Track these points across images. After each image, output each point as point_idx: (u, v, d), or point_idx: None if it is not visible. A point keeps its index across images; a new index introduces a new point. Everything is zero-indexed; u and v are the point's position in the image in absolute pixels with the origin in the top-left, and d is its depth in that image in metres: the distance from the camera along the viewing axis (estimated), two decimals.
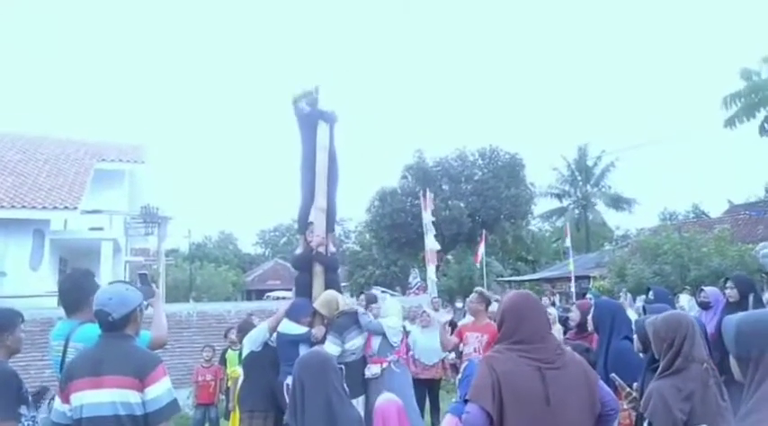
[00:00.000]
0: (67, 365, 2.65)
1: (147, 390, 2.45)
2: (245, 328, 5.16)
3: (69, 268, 15.38)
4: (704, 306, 5.82)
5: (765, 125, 11.05)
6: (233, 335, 6.68)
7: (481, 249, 18.70)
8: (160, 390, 2.47)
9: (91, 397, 2.44)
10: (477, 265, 19.50)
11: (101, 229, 14.80)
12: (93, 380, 2.45)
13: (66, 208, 12.83)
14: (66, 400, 2.50)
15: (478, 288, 5.28)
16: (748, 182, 70.33)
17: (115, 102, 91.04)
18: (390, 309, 4.95)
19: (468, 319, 5.71)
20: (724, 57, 61.89)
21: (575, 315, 4.48)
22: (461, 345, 4.95)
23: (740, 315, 1.82)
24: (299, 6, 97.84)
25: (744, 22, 71.31)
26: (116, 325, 2.56)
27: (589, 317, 3.68)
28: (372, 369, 4.50)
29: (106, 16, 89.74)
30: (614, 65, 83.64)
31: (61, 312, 3.93)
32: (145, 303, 2.87)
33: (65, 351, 2.89)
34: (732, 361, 1.72)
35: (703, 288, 7.02)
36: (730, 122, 11.22)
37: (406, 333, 5.95)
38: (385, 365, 4.53)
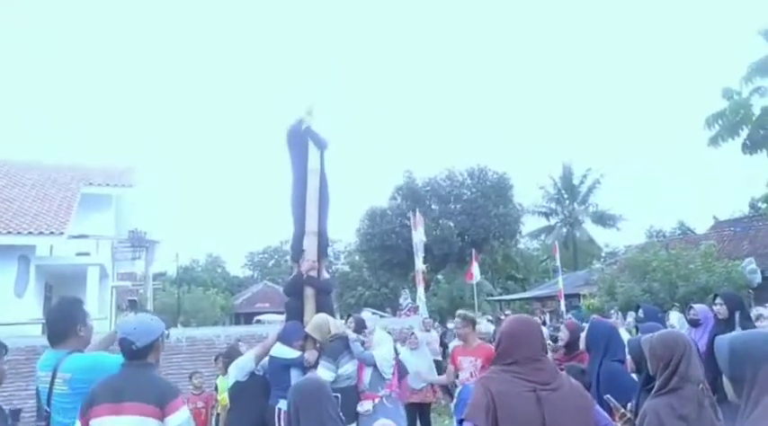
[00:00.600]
0: (90, 391, 2.67)
1: (167, 419, 2.49)
2: (231, 355, 5.07)
3: (55, 294, 15.14)
4: (694, 323, 5.85)
5: (748, 143, 11.25)
6: (221, 362, 6.58)
7: (475, 268, 18.69)
8: (179, 420, 2.52)
9: (110, 423, 2.48)
10: (472, 283, 19.46)
11: (87, 254, 14.62)
12: (114, 407, 2.50)
13: (52, 233, 12.66)
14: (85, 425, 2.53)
15: (460, 311, 5.22)
16: (733, 198, 71.36)
17: (102, 125, 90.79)
18: (381, 341, 4.88)
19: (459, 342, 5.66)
20: (707, 76, 63.29)
21: (563, 335, 4.46)
22: (457, 372, 4.90)
23: (732, 335, 1.83)
24: (287, 29, 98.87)
25: (726, 41, 73.08)
26: (139, 354, 2.62)
27: (582, 336, 3.67)
28: (365, 406, 4.41)
29: (94, 41, 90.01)
30: (600, 84, 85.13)
31: (46, 340, 3.86)
32: (166, 332, 2.91)
33: (52, 382, 2.83)
34: (726, 382, 1.72)
35: (692, 305, 7.07)
36: (714, 141, 11.42)
37: (397, 355, 5.88)
38: (377, 401, 4.44)
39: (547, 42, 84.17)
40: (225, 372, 4.90)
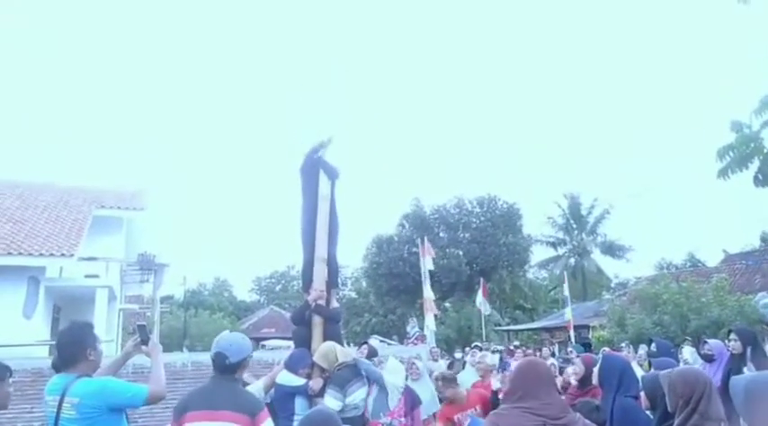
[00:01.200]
0: (182, 398, 2.95)
1: None
2: None
3: (63, 316, 15.17)
4: (708, 358, 5.76)
5: (759, 176, 11.17)
6: None
7: (480, 297, 18.57)
8: None
9: None
10: (483, 313, 19.29)
11: (96, 276, 14.67)
12: (210, 413, 2.75)
13: (62, 255, 12.75)
14: None
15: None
16: (743, 232, 70.70)
17: (115, 148, 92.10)
18: (393, 370, 4.80)
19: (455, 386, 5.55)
20: (719, 108, 63.35)
21: (578, 369, 4.32)
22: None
23: (748, 376, 1.80)
24: (295, 53, 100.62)
25: (737, 73, 73.43)
26: (231, 369, 2.89)
27: (595, 370, 3.60)
28: None
29: (106, 63, 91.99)
30: (611, 116, 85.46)
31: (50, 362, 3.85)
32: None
33: (60, 406, 2.82)
34: (742, 424, 1.69)
35: (707, 340, 6.98)
36: (723, 173, 11.35)
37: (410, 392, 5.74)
38: None
39: (557, 72, 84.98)
40: None
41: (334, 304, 5.19)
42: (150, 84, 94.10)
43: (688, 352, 9.99)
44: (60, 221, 14.45)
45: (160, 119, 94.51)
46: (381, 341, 27.38)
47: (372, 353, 5.15)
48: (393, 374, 4.62)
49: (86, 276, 14.34)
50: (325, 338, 4.72)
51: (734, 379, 1.79)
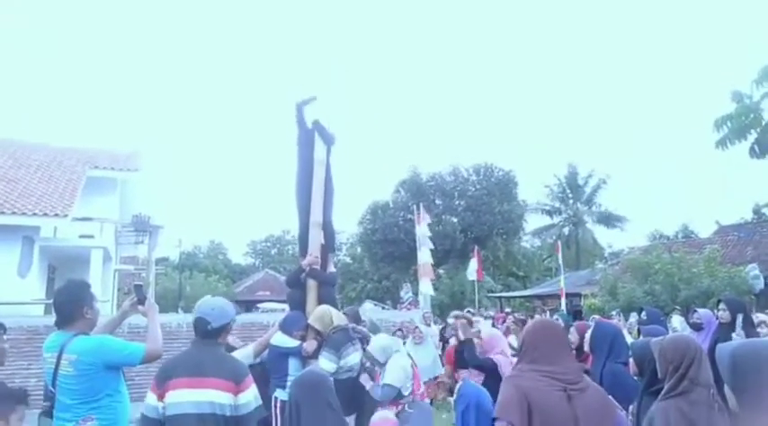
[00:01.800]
0: (164, 364, 2.85)
1: (240, 395, 2.68)
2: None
3: (58, 275, 15.21)
4: (696, 327, 5.86)
5: (755, 147, 11.17)
6: None
7: (474, 265, 18.67)
8: (251, 395, 2.72)
9: (190, 396, 2.66)
10: (476, 281, 19.43)
11: (91, 237, 14.66)
12: (195, 380, 2.68)
13: (56, 215, 12.68)
14: (161, 397, 2.69)
15: (455, 312, 5.32)
16: (737, 204, 71.04)
17: (109, 109, 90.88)
18: (393, 363, 4.23)
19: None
20: (715, 79, 62.86)
21: (573, 338, 4.29)
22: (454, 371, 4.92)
23: (734, 344, 1.80)
24: (294, 20, 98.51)
25: (736, 43, 72.54)
26: (212, 334, 2.81)
27: (586, 337, 3.65)
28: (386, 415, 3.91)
29: (102, 23, 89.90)
30: (607, 87, 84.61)
31: (48, 320, 3.88)
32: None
33: (57, 363, 2.86)
34: (727, 391, 1.70)
35: (696, 309, 7.09)
36: (722, 143, 11.35)
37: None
38: (399, 407, 4.10)
39: (557, 44, 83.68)
40: None
41: (332, 268, 5.21)
42: (145, 43, 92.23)
43: (677, 321, 10.15)
44: (54, 181, 14.33)
45: (155, 79, 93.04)
46: (375, 304, 27.70)
47: (355, 319, 5.18)
48: (394, 367, 4.16)
49: (81, 236, 14.34)
50: (320, 301, 4.75)
51: (720, 347, 1.80)
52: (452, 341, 9.10)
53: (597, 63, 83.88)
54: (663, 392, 2.33)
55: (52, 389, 2.90)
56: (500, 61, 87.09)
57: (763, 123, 11.33)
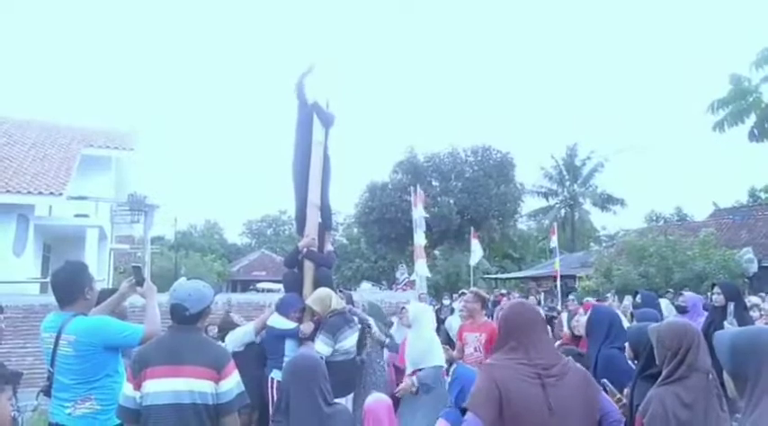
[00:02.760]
0: (139, 352, 2.72)
1: (221, 382, 2.58)
2: (224, 327, 5.01)
3: (53, 254, 15.19)
4: (681, 310, 5.97)
5: (755, 131, 11.14)
6: (213, 331, 6.51)
7: (476, 246, 18.68)
8: (232, 383, 2.62)
9: (168, 385, 2.54)
10: (472, 264, 19.47)
11: (86, 216, 14.61)
12: (173, 368, 2.55)
13: (51, 193, 12.61)
14: (138, 386, 2.57)
15: (474, 289, 5.31)
16: (733, 186, 71.26)
17: (104, 86, 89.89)
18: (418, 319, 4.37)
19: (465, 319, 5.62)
20: (712, 62, 62.45)
21: (584, 321, 3.95)
22: (462, 345, 4.96)
23: (734, 330, 1.80)
24: (290, 1, 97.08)
25: (734, 26, 72.00)
26: (191, 319, 2.67)
27: (582, 320, 3.63)
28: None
29: (97, 1, 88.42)
30: (604, 69, 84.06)
31: (44, 299, 3.87)
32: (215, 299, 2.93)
33: (56, 344, 2.87)
34: (726, 378, 1.70)
35: (681, 292, 7.19)
36: (719, 125, 11.32)
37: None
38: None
39: (555, 24, 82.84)
40: (221, 339, 4.89)
41: (329, 247, 5.21)
42: (140, 20, 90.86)
43: (663, 304, 10.24)
44: (48, 159, 14.21)
45: (151, 57, 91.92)
46: (374, 285, 27.81)
47: (348, 300, 5.19)
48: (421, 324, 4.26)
49: (76, 215, 14.28)
50: (317, 282, 4.75)
51: (719, 334, 1.80)
52: (452, 322, 9.16)
53: (595, 44, 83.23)
54: (660, 378, 2.31)
55: (50, 369, 2.91)
56: (498, 42, 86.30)
57: (763, 106, 11.28)
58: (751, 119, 11.23)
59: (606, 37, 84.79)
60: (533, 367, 2.19)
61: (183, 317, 2.66)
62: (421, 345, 4.09)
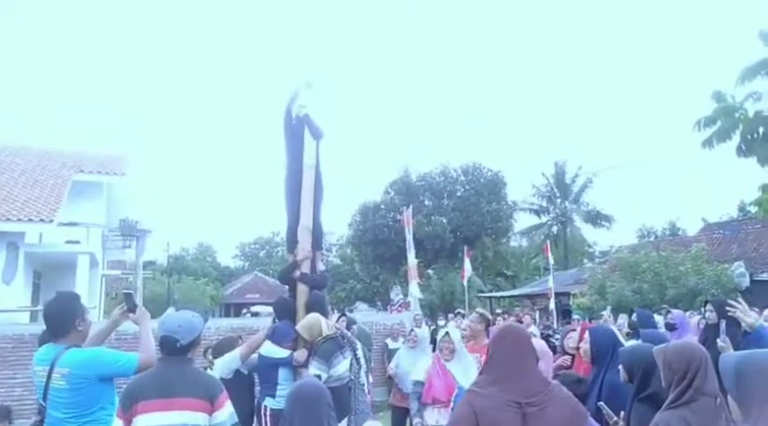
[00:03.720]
0: (129, 387, 2.67)
1: (215, 413, 2.57)
2: (220, 349, 4.93)
3: (44, 282, 15.02)
4: (670, 327, 6.01)
5: (742, 146, 11.35)
6: (210, 355, 6.41)
7: (467, 265, 18.72)
8: (226, 413, 2.62)
9: (162, 419, 2.50)
10: (463, 282, 19.46)
11: (77, 242, 14.50)
12: (165, 402, 2.51)
13: (41, 220, 12.51)
14: (128, 422, 2.52)
15: (479, 309, 5.26)
16: (723, 200, 71.87)
17: (95, 112, 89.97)
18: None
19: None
20: (699, 79, 63.44)
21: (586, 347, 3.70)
22: None
23: (738, 355, 1.79)
24: (283, 20, 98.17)
25: (718, 44, 73.36)
26: (182, 351, 2.66)
27: (586, 346, 3.52)
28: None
29: (88, 25, 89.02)
30: (592, 86, 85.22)
31: (34, 328, 3.82)
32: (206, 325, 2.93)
33: (49, 377, 2.83)
34: (732, 403, 1.69)
35: (670, 310, 7.27)
36: (708, 143, 11.52)
37: (389, 353, 5.80)
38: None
39: (544, 43, 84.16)
40: (214, 356, 4.79)
41: (320, 266, 5.17)
42: (132, 46, 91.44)
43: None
44: (39, 186, 14.14)
45: (142, 81, 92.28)
46: (369, 307, 27.61)
47: (350, 323, 5.15)
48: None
49: (67, 242, 14.17)
50: (309, 306, 4.69)
51: (724, 357, 1.79)
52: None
53: (584, 62, 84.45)
54: (667, 402, 2.25)
55: (42, 403, 2.87)
56: (488, 61, 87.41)
57: (748, 122, 11.48)
58: (737, 136, 11.44)
59: (595, 54, 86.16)
60: (516, 395, 2.16)
61: (174, 349, 2.64)
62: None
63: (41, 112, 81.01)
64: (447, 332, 4.74)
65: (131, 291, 3.44)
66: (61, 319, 2.98)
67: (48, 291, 14.39)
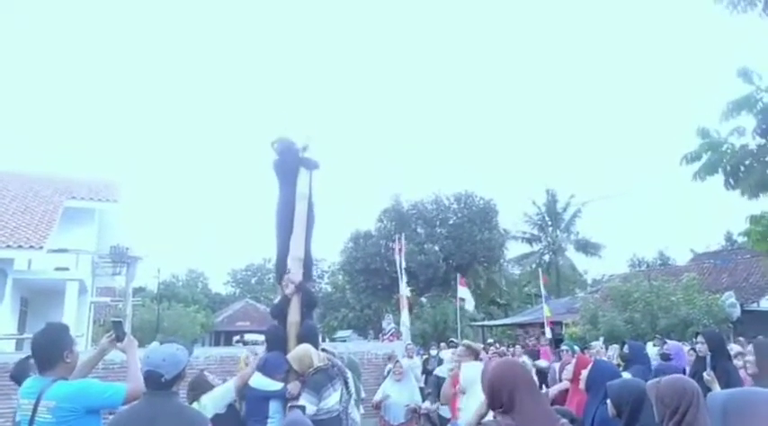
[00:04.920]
0: (111, 423, 2.64)
1: None
2: (197, 387, 4.84)
3: (31, 309, 14.82)
4: (665, 357, 6.05)
5: (730, 180, 11.58)
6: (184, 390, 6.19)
7: (465, 293, 18.66)
8: None
9: None
10: (466, 307, 19.36)
11: (66, 269, 14.35)
12: None
13: (31, 247, 12.42)
14: None
15: (465, 341, 5.26)
16: (711, 230, 72.51)
17: (87, 138, 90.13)
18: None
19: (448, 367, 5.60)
20: (687, 112, 64.68)
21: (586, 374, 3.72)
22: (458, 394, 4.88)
23: (725, 393, 1.81)
24: (274, 48, 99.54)
25: (705, 79, 75.01)
26: (166, 385, 2.63)
27: (583, 375, 3.52)
28: None
29: (78, 51, 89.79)
30: (586, 115, 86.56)
31: (20, 356, 3.77)
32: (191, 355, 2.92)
33: (35, 410, 2.77)
34: None
35: (665, 340, 7.31)
36: (698, 175, 11.74)
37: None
38: None
39: (534, 72, 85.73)
40: (191, 401, 4.67)
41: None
42: (123, 72, 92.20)
43: (651, 350, 10.28)
44: (30, 212, 14.08)
45: (134, 108, 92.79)
46: (359, 336, 27.29)
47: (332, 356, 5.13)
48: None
49: (56, 269, 14.01)
50: (301, 338, 4.66)
51: (711, 396, 1.81)
52: (439, 372, 9.02)
53: (576, 92, 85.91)
54: None
55: None
56: (480, 90, 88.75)
57: (734, 156, 11.72)
58: (723, 170, 11.67)
59: (586, 85, 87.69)
60: None
61: (159, 384, 2.63)
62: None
63: (33, 138, 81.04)
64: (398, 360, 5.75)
65: (120, 319, 3.41)
66: (49, 351, 2.93)
67: (35, 318, 14.19)
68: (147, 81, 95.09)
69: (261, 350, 5.37)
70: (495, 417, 2.24)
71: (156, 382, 2.62)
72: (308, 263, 5.11)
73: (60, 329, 3.09)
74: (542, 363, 9.44)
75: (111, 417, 2.75)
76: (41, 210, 14.23)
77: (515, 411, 2.16)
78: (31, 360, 3.14)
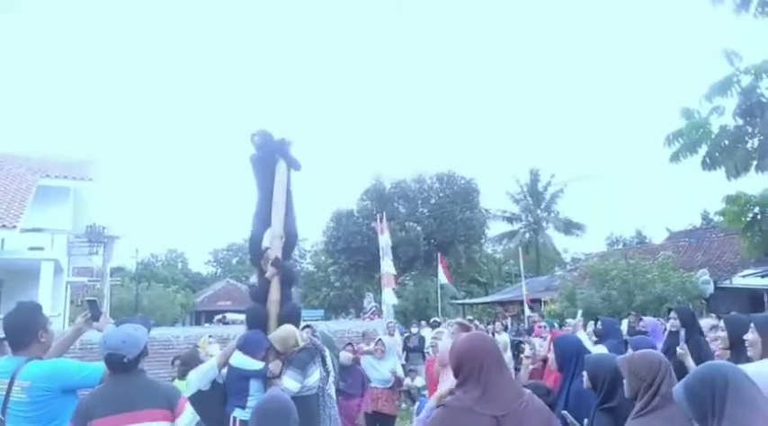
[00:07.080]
0: (81, 404, 2.62)
1: (177, 420, 2.61)
2: (189, 361, 4.83)
3: (5, 289, 14.56)
4: (633, 332, 6.18)
5: (707, 160, 11.76)
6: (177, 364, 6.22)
7: (441, 272, 18.87)
8: (188, 416, 2.67)
9: None
10: (439, 288, 19.58)
11: (41, 249, 14.11)
12: (128, 416, 2.51)
13: (4, 226, 12.17)
14: None
15: (459, 319, 5.29)
16: (687, 210, 73.90)
17: (62, 115, 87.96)
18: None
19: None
20: (667, 94, 65.28)
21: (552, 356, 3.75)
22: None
23: (683, 381, 1.86)
24: (256, 30, 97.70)
25: (686, 61, 75.63)
26: (130, 366, 2.63)
27: (551, 355, 3.57)
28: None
29: (54, 27, 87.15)
30: (564, 98, 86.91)
31: None
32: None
33: (9, 390, 2.75)
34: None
35: (641, 317, 7.47)
36: (675, 158, 11.89)
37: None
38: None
39: (517, 52, 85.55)
40: (181, 376, 4.68)
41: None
42: (99, 47, 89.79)
43: (625, 325, 10.50)
44: (2, 191, 13.76)
45: (110, 84, 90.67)
46: (334, 316, 27.14)
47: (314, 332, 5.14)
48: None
49: (30, 248, 13.76)
50: (282, 319, 4.64)
51: (675, 389, 1.86)
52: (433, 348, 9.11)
53: (558, 73, 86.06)
54: (635, 410, 2.29)
55: (1, 417, 2.77)
56: (463, 70, 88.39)
57: (713, 137, 11.89)
58: (703, 150, 11.83)
59: (568, 66, 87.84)
60: (492, 409, 2.10)
61: (123, 365, 2.61)
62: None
63: (5, 115, 78.85)
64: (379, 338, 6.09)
65: (95, 298, 3.37)
66: (22, 330, 2.90)
67: (9, 299, 13.96)
68: (125, 58, 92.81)
69: (237, 330, 5.35)
70: (461, 390, 2.22)
71: (119, 363, 2.60)
72: (288, 242, 5.08)
73: (33, 308, 3.05)
74: (536, 340, 9.55)
75: (82, 397, 2.71)
76: (14, 189, 13.91)
77: (480, 383, 2.15)
78: (5, 341, 3.09)
